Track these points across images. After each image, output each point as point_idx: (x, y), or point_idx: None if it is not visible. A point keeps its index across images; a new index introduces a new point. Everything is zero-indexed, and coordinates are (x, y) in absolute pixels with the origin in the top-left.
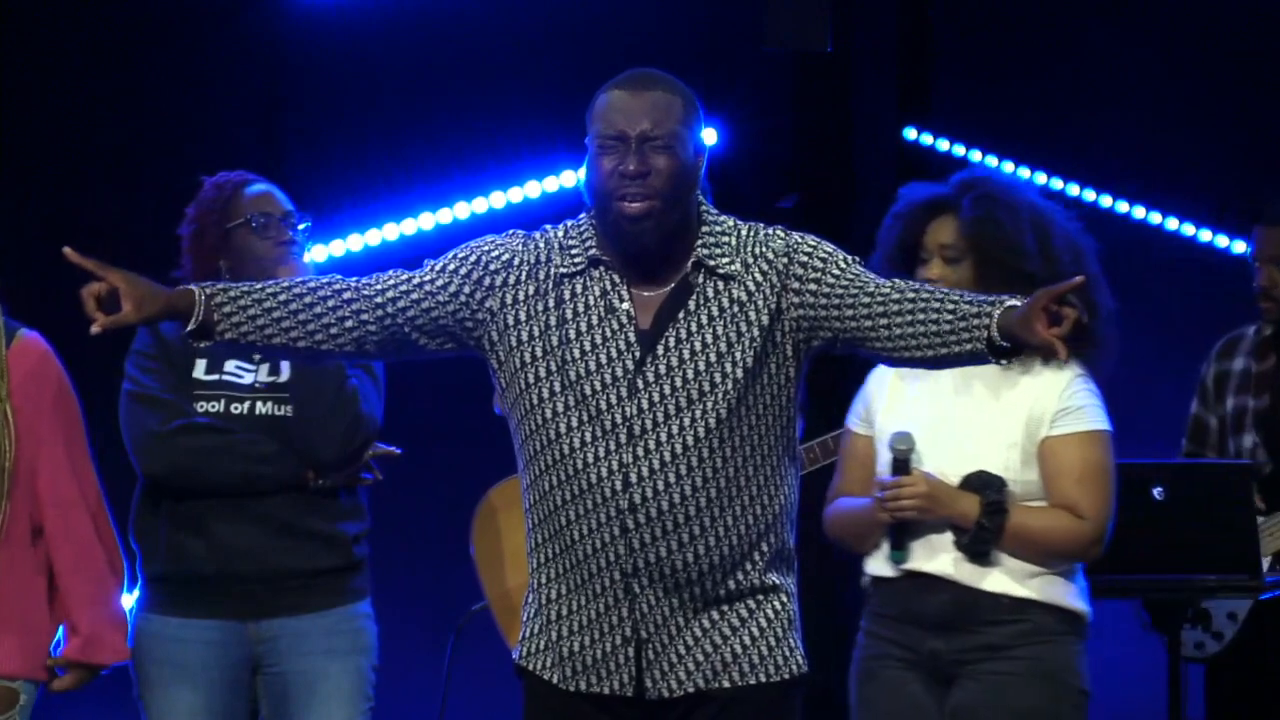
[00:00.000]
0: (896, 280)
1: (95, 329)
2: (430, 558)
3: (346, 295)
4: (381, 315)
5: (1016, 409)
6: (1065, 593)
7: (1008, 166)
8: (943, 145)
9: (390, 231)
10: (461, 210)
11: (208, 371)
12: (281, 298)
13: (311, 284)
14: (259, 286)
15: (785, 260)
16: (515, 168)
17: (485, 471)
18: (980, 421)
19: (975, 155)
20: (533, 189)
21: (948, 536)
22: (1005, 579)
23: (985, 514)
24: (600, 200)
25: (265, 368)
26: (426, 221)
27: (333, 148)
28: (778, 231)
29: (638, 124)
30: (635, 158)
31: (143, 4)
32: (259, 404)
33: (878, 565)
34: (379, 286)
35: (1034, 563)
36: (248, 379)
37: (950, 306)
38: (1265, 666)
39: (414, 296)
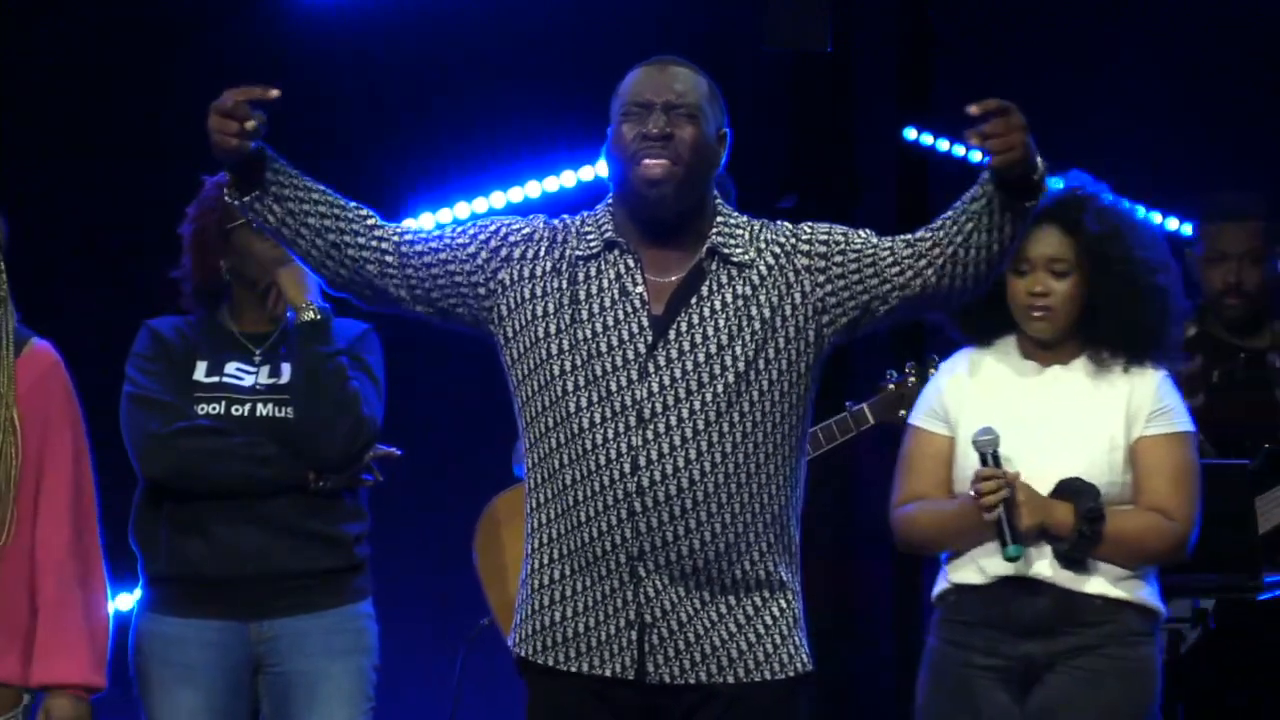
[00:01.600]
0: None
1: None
2: (437, 561)
3: (378, 236)
4: (403, 263)
5: (1112, 409)
6: (1150, 593)
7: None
8: (943, 145)
9: None
10: (462, 210)
11: (208, 374)
12: (322, 208)
13: (352, 212)
14: (311, 188)
15: (794, 242)
16: (515, 168)
17: (491, 472)
18: (1076, 421)
19: (975, 155)
20: (533, 189)
21: (1040, 541)
22: (1103, 581)
23: (1085, 521)
24: (620, 167)
25: (266, 370)
26: (427, 222)
27: (332, 148)
28: (784, 224)
29: (663, 93)
30: (660, 118)
31: (143, 4)
32: (259, 406)
33: (966, 573)
34: (410, 239)
35: (1125, 566)
36: (248, 381)
37: (962, 209)
38: (1235, 664)
39: (437, 249)
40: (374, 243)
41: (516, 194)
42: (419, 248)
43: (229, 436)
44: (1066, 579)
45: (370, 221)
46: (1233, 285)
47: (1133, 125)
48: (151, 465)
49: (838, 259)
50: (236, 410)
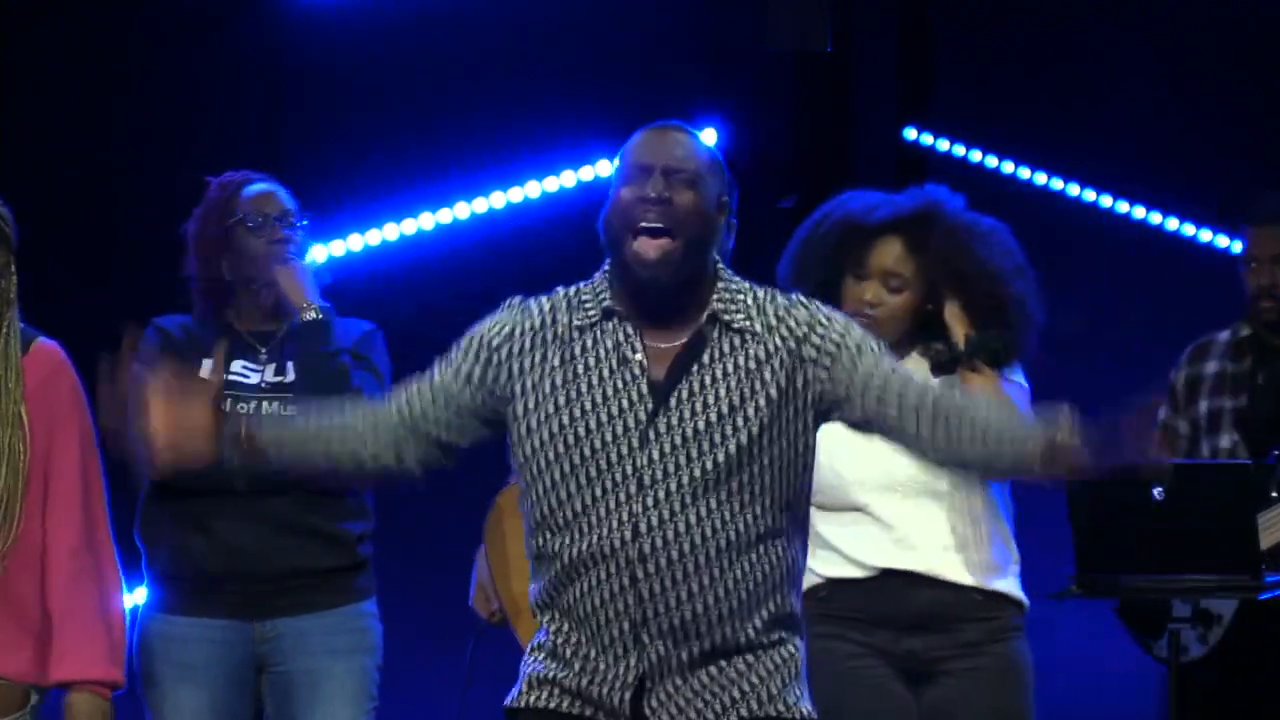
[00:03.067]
0: (929, 385)
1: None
2: (440, 558)
3: (380, 415)
4: (417, 435)
5: None
6: (1018, 586)
7: (1008, 166)
8: (943, 145)
9: (390, 231)
10: (461, 210)
11: (214, 372)
12: (322, 432)
13: (346, 414)
14: (302, 424)
15: (806, 331)
16: (515, 168)
17: (496, 470)
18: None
19: (975, 155)
20: (533, 189)
21: (913, 531)
22: (981, 575)
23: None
24: (616, 234)
25: (272, 368)
26: (426, 221)
27: (333, 148)
28: (800, 300)
29: (663, 158)
30: (659, 182)
31: (143, 4)
32: (265, 404)
33: (839, 567)
34: (414, 407)
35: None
36: (254, 379)
37: (995, 434)
38: (1247, 671)
39: (435, 399)
40: (399, 459)
41: (516, 194)
42: (431, 415)
43: None
44: (943, 570)
45: (376, 438)
46: (1265, 288)
47: (1133, 125)
48: None
49: (843, 369)
50: (242, 408)
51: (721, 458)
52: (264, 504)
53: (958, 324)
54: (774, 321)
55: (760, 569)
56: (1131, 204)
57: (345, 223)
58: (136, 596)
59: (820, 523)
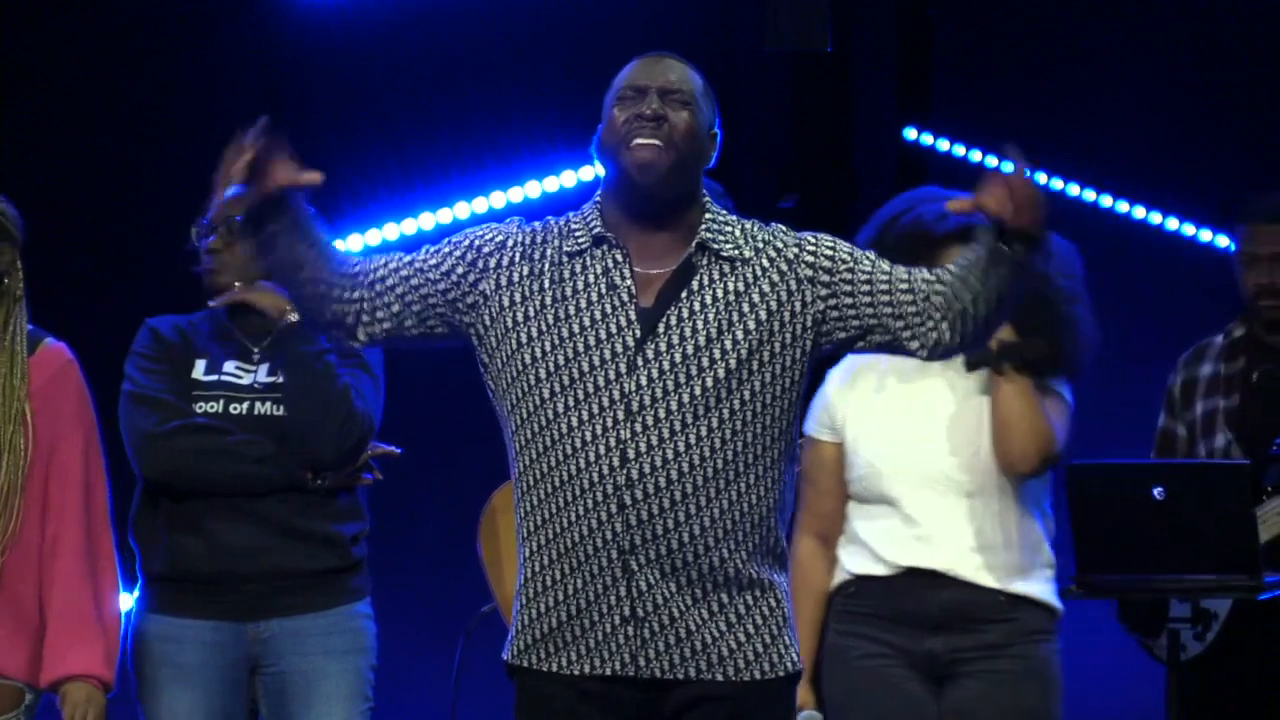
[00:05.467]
0: (911, 272)
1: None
2: (436, 559)
3: (360, 280)
4: (380, 301)
5: (982, 412)
6: (1051, 591)
7: (1008, 167)
8: (943, 145)
9: (390, 231)
10: (462, 210)
11: (207, 372)
12: (321, 248)
13: (340, 253)
14: (314, 235)
15: (797, 251)
16: (515, 168)
17: (491, 471)
18: (958, 416)
19: (975, 155)
20: (533, 189)
21: (938, 529)
22: (1006, 576)
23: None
24: (610, 150)
25: (264, 369)
26: (426, 221)
27: (332, 148)
28: (780, 227)
29: (658, 79)
30: (654, 101)
31: (143, 4)
32: (258, 404)
33: (866, 563)
34: (380, 273)
35: (1017, 410)
36: (247, 379)
37: (962, 273)
38: (1244, 669)
39: (407, 275)
40: (354, 298)
41: (516, 194)
42: (399, 289)
43: (226, 435)
44: (969, 572)
45: (352, 282)
46: (1265, 286)
47: (1132, 125)
48: (148, 464)
49: (845, 275)
50: (235, 409)
51: (710, 382)
52: (258, 504)
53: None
54: (760, 244)
55: (748, 498)
56: (1131, 204)
57: (345, 223)
58: (128, 600)
59: (855, 518)
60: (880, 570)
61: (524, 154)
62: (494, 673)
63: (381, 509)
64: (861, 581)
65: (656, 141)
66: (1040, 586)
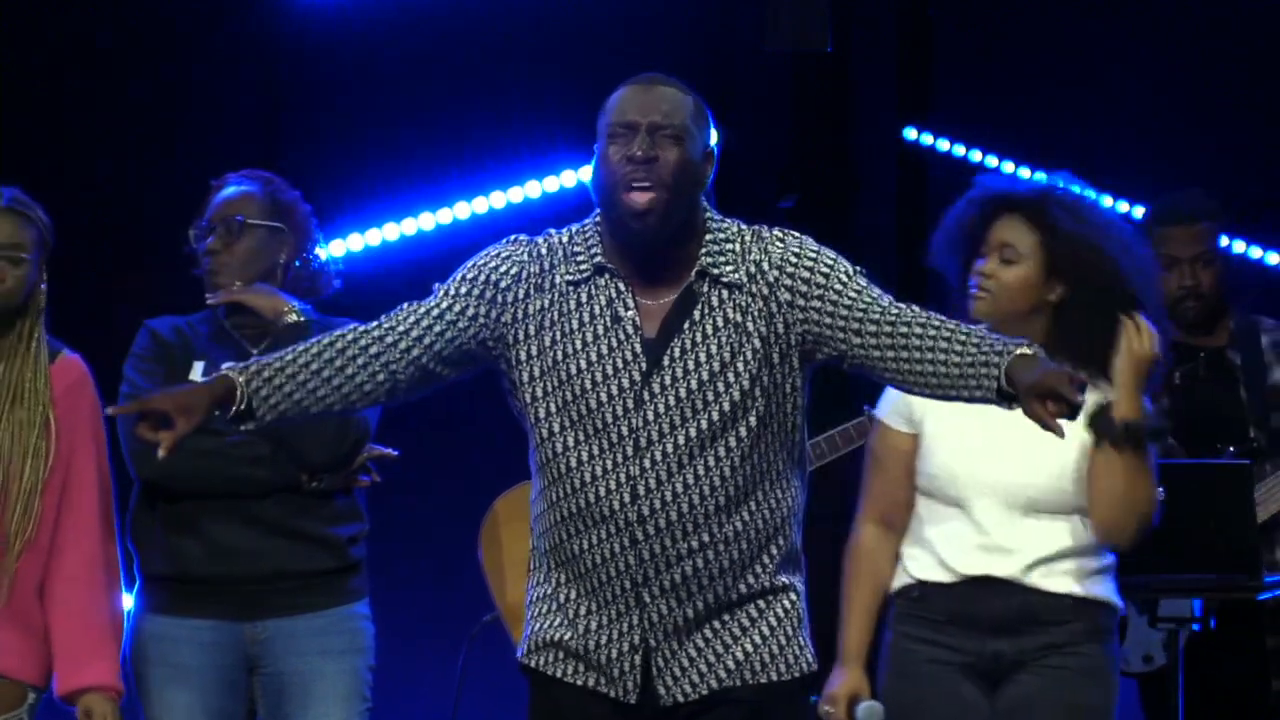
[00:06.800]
0: (903, 307)
1: (162, 452)
2: (436, 562)
3: (373, 349)
4: (406, 360)
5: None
6: (1112, 590)
7: (1008, 166)
8: (943, 145)
9: (390, 231)
10: (461, 210)
11: (205, 374)
12: (314, 366)
13: (338, 343)
14: (291, 358)
15: (778, 274)
16: (515, 168)
17: (493, 474)
18: (1027, 434)
19: (975, 155)
20: (533, 189)
21: (1006, 539)
22: (1069, 580)
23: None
24: (606, 193)
25: None
26: (426, 221)
27: (332, 148)
28: (776, 235)
29: (648, 114)
30: (645, 142)
31: (143, 4)
32: None
33: (931, 570)
34: (400, 329)
35: (1126, 500)
36: None
37: (959, 349)
38: (1211, 675)
39: (434, 328)
40: (382, 381)
41: (516, 194)
42: (426, 340)
43: (222, 437)
44: (1035, 579)
45: (361, 360)
46: (1189, 289)
47: (1133, 125)
48: (143, 466)
49: (816, 304)
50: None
51: (716, 415)
52: (254, 506)
53: (1125, 395)
54: (753, 270)
55: (760, 515)
56: (1131, 204)
57: (345, 223)
58: (127, 600)
59: (923, 519)
60: (945, 578)
61: (524, 154)
62: (495, 678)
63: (384, 512)
64: (925, 586)
65: (648, 185)
66: (1105, 586)
